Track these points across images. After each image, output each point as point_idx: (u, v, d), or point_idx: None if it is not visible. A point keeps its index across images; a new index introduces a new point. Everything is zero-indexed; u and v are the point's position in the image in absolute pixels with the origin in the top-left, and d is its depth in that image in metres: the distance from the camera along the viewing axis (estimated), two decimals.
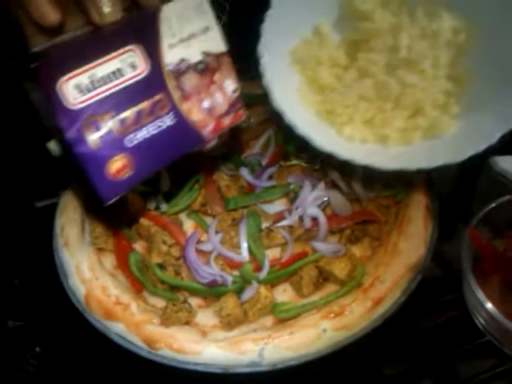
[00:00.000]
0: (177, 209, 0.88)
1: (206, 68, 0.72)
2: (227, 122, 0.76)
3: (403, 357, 0.78)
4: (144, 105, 0.67)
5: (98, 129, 0.64)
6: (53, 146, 0.70)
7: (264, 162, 0.92)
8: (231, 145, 0.94)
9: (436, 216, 0.82)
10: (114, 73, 0.64)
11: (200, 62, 0.71)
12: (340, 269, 0.76)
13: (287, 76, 0.85)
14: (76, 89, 0.62)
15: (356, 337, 0.71)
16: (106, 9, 0.64)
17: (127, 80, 0.66)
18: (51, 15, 0.65)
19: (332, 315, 0.72)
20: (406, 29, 0.80)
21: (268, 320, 0.75)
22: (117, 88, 0.65)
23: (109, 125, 0.65)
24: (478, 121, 0.76)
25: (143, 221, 0.85)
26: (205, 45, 0.71)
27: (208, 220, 0.87)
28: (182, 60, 0.70)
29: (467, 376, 0.75)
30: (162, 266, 0.79)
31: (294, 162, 0.91)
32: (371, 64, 0.81)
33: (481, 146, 0.72)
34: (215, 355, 0.70)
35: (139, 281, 0.79)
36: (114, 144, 0.65)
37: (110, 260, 0.84)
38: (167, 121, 0.69)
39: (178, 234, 0.84)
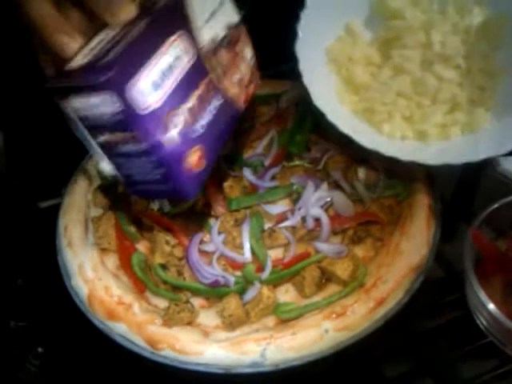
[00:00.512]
0: (180, 209, 0.88)
1: (230, 41, 0.72)
2: (251, 89, 0.76)
3: (405, 357, 0.78)
4: (200, 90, 0.66)
5: (175, 125, 0.62)
6: (106, 166, 0.66)
7: (267, 163, 0.92)
8: (234, 145, 0.94)
9: (438, 216, 0.82)
10: (170, 66, 0.62)
11: (224, 37, 0.71)
12: (342, 269, 0.76)
13: (324, 75, 0.85)
14: (145, 91, 0.59)
15: (358, 337, 0.71)
16: (119, 8, 0.64)
17: (183, 69, 0.64)
18: (71, 45, 0.65)
19: (334, 316, 0.72)
20: (437, 25, 0.81)
21: (270, 320, 0.75)
22: (178, 78, 0.63)
23: (182, 118, 0.63)
24: None
25: (146, 221, 0.85)
26: (224, 19, 0.71)
27: (211, 221, 0.87)
28: (212, 39, 0.69)
29: (469, 377, 0.75)
30: (164, 267, 0.79)
31: (297, 162, 0.91)
32: (406, 61, 0.81)
33: None
34: (217, 355, 0.70)
35: (142, 281, 0.79)
36: (189, 136, 0.64)
37: (112, 260, 0.84)
38: (216, 102, 0.69)
39: (180, 235, 0.84)
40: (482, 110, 0.80)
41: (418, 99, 0.81)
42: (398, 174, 0.86)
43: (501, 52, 0.81)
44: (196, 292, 0.79)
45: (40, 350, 0.81)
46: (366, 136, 0.79)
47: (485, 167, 0.88)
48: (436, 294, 0.82)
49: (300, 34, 0.81)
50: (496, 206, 0.76)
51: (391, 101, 0.82)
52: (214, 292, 0.77)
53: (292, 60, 0.80)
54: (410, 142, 0.81)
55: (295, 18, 0.82)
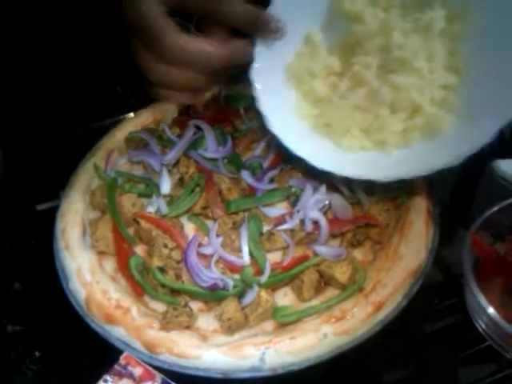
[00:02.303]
0: (178, 212, 0.87)
1: None
2: None
3: (404, 361, 0.78)
4: None
5: None
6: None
7: (265, 165, 0.92)
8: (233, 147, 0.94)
9: (437, 220, 0.82)
10: None
11: None
12: (341, 273, 0.76)
13: (283, 94, 0.86)
14: None
15: (357, 342, 0.71)
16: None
17: None
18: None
19: (333, 320, 0.72)
20: (397, 25, 0.80)
21: (269, 324, 0.75)
22: None
23: None
24: (476, 115, 0.75)
25: (144, 224, 0.85)
26: None
27: (209, 223, 0.87)
28: None
29: (468, 381, 0.75)
30: (162, 270, 0.79)
31: (296, 165, 0.91)
32: (365, 69, 0.81)
33: (479, 144, 0.71)
34: (216, 360, 0.70)
35: (140, 284, 0.79)
36: None
37: (110, 263, 0.83)
38: None
39: (179, 238, 0.83)
40: (443, 112, 0.78)
41: (376, 110, 0.81)
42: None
43: (466, 47, 0.79)
44: (194, 295, 0.78)
45: (37, 353, 0.80)
46: (322, 153, 0.80)
47: (483, 170, 0.88)
48: (435, 298, 0.82)
49: (256, 58, 0.84)
50: (494, 209, 0.76)
51: (348, 115, 0.82)
52: (213, 295, 0.77)
53: None
54: (370, 154, 0.81)
55: None
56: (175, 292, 0.79)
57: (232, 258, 0.80)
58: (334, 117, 0.82)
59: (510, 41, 0.75)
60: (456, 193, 0.97)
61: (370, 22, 0.82)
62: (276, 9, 0.84)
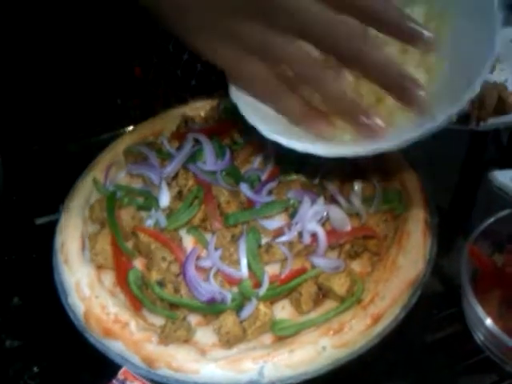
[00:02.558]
0: (177, 225, 0.87)
1: None
2: None
3: (402, 373, 0.78)
4: None
5: None
6: None
7: (263, 178, 0.92)
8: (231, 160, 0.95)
9: (435, 230, 0.82)
10: None
11: None
12: (339, 285, 0.76)
13: None
14: None
15: (356, 354, 0.71)
16: None
17: None
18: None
19: (331, 332, 0.71)
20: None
21: (267, 337, 0.75)
22: None
23: None
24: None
25: (143, 238, 0.85)
26: None
27: (208, 236, 0.87)
28: None
29: None
30: (161, 284, 0.79)
31: (294, 177, 0.91)
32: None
33: (427, 131, 0.69)
34: (214, 374, 0.70)
35: (138, 298, 0.79)
36: None
37: (109, 277, 0.84)
38: None
39: (177, 251, 0.83)
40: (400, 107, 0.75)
41: None
42: (392, 187, 0.87)
43: (439, 48, 0.76)
44: (193, 309, 0.78)
45: (36, 369, 0.80)
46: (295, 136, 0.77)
47: (481, 180, 0.88)
48: (434, 308, 0.82)
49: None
50: (492, 220, 0.76)
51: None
52: (211, 309, 0.77)
53: None
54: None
55: None
56: (174, 306, 0.79)
57: (230, 270, 0.80)
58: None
59: (478, 46, 0.74)
60: (455, 202, 0.97)
61: None
62: None
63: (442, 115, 0.69)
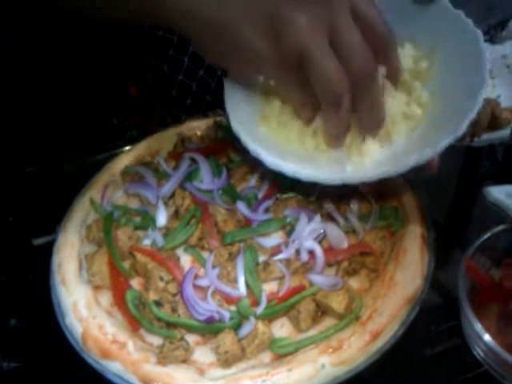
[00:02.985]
0: (174, 244, 0.87)
1: None
2: None
3: None
4: None
5: None
6: None
7: (260, 195, 0.92)
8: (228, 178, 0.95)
9: (432, 246, 0.82)
10: None
11: None
12: (338, 302, 0.76)
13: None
14: None
15: (354, 371, 0.71)
16: None
17: None
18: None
19: (330, 350, 0.71)
20: None
21: (266, 356, 0.74)
22: None
23: None
24: (429, 136, 0.77)
25: (140, 257, 0.85)
26: None
27: (205, 254, 0.87)
28: None
29: None
30: (158, 303, 0.79)
31: (290, 194, 0.91)
32: None
33: (427, 157, 0.73)
34: None
35: (136, 318, 0.79)
36: None
37: (106, 297, 0.83)
38: None
39: (175, 270, 0.83)
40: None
41: None
42: (389, 203, 0.87)
43: (429, 84, 0.82)
44: (191, 329, 0.78)
45: None
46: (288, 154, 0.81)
47: (476, 195, 0.88)
48: (432, 322, 0.81)
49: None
50: (488, 235, 0.77)
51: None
52: (209, 328, 0.77)
53: None
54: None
55: None
56: (171, 325, 0.78)
57: (228, 289, 0.80)
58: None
59: (469, 78, 0.77)
60: (450, 217, 0.97)
61: None
62: None
63: (441, 143, 0.72)
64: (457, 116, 0.74)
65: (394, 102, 0.80)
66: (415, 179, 0.90)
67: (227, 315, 0.76)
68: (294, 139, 0.83)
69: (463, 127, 0.72)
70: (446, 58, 0.82)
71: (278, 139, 0.84)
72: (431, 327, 0.81)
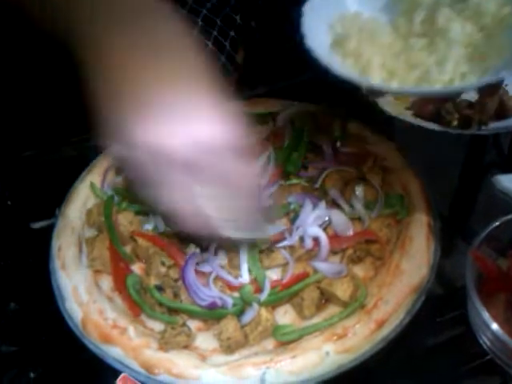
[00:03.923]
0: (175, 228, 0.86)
1: None
2: None
3: (406, 376, 0.77)
4: None
5: None
6: None
7: (264, 182, 0.91)
8: None
9: (438, 234, 0.81)
10: None
11: None
12: (342, 290, 0.75)
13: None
14: None
15: (359, 360, 0.70)
16: None
17: None
18: None
19: (335, 338, 0.70)
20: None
21: (269, 343, 0.73)
22: None
23: None
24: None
25: (141, 242, 0.84)
26: None
27: None
28: None
29: None
30: (160, 288, 0.78)
31: (294, 181, 0.90)
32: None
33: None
34: (215, 380, 0.68)
35: (137, 304, 0.78)
36: None
37: (107, 282, 0.82)
38: None
39: (176, 255, 0.82)
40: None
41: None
42: (394, 191, 0.86)
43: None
44: (193, 314, 0.77)
45: (32, 375, 0.78)
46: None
47: (481, 184, 0.87)
48: (437, 311, 0.81)
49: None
50: (496, 224, 0.75)
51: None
52: (212, 314, 0.76)
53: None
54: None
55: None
56: (173, 311, 0.77)
57: (231, 276, 0.79)
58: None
59: None
60: (455, 206, 0.96)
61: None
62: None
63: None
64: None
65: None
66: (420, 168, 0.89)
67: (230, 301, 0.75)
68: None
69: None
70: None
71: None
72: (435, 316, 0.80)
